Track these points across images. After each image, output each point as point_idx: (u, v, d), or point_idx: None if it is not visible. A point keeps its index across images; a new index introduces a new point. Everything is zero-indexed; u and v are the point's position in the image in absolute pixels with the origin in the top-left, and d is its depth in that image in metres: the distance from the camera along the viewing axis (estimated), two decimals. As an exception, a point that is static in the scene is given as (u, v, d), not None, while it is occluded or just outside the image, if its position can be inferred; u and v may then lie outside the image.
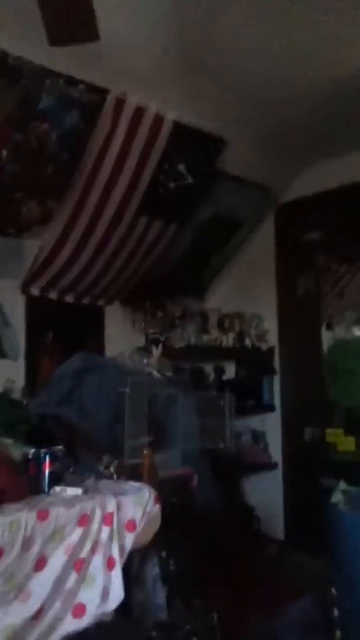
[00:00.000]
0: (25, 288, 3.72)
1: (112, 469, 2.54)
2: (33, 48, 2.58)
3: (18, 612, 1.84)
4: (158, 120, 3.31)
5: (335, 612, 2.83)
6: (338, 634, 2.81)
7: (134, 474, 2.53)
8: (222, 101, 3.31)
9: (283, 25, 2.65)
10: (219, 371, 4.64)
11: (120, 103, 3.13)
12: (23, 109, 2.88)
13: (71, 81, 2.89)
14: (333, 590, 2.85)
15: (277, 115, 3.49)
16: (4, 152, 2.98)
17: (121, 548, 2.17)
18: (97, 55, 2.69)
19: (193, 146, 3.58)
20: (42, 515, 1.96)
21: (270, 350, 4.53)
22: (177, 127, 3.39)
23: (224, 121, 3.52)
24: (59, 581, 1.97)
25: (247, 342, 4.50)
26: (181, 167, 3.66)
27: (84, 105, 3.01)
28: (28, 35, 2.41)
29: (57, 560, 1.98)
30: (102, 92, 3.03)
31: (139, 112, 3.22)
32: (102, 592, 2.07)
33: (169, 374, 3.49)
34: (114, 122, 3.18)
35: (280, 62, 2.95)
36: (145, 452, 2.56)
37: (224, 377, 4.64)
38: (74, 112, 3.00)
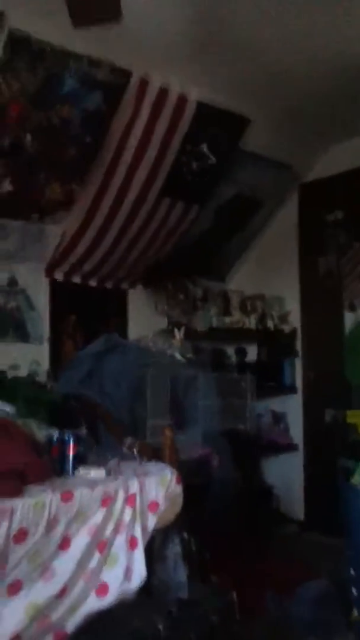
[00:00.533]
0: (49, 272, 3.74)
1: (134, 450, 2.57)
2: (56, 30, 2.58)
3: (42, 591, 1.89)
4: (182, 100, 3.28)
5: (354, 592, 2.85)
6: (355, 613, 2.83)
7: (155, 454, 2.57)
8: (245, 79, 3.27)
9: (307, 0, 2.59)
10: (241, 353, 4.64)
11: (143, 84, 3.10)
12: (46, 91, 2.87)
13: (94, 63, 2.87)
14: (351, 570, 2.87)
15: (301, 93, 3.45)
16: (28, 135, 2.98)
17: (144, 528, 2.21)
18: (120, 36, 2.66)
19: (216, 125, 3.54)
20: (66, 497, 2.00)
21: (293, 332, 4.52)
22: (201, 106, 3.36)
23: (247, 100, 3.48)
24: (83, 561, 2.01)
25: (269, 324, 4.48)
26: (204, 147, 3.63)
27: (107, 87, 2.99)
28: (51, 17, 2.41)
29: (80, 540, 2.02)
30: (126, 74, 3.00)
31: (163, 93, 3.19)
32: (125, 571, 2.12)
33: (191, 355, 3.50)
34: (138, 104, 3.16)
35: (303, 39, 2.90)
36: (166, 432, 2.58)
37: (246, 359, 4.64)
38: (97, 93, 2.99)
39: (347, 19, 2.75)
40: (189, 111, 3.33)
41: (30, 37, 2.64)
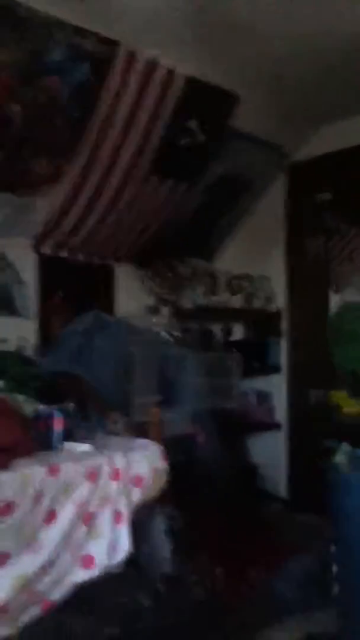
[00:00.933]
0: (36, 247, 3.70)
1: (120, 426, 2.58)
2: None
3: (29, 563, 1.90)
4: (170, 75, 3.23)
5: (334, 568, 2.90)
6: (336, 588, 2.89)
7: (142, 431, 2.58)
8: (235, 56, 3.23)
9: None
10: (227, 332, 4.65)
11: (131, 56, 3.05)
12: (32, 62, 2.81)
13: (81, 32, 2.81)
14: (332, 547, 2.92)
15: (291, 73, 3.41)
16: (14, 107, 2.92)
17: (129, 503, 2.23)
18: (106, 6, 2.62)
19: (205, 102, 3.50)
20: (53, 470, 2.01)
21: (278, 312, 4.54)
22: (189, 82, 3.31)
23: (236, 77, 3.44)
24: (68, 534, 2.03)
25: (256, 303, 4.49)
26: (193, 124, 3.59)
27: (94, 58, 2.93)
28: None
29: (66, 513, 2.03)
30: (113, 44, 2.95)
31: (151, 66, 3.14)
32: (110, 544, 2.14)
33: (178, 334, 3.50)
34: (125, 76, 3.11)
35: (294, 18, 2.86)
36: (153, 410, 2.59)
37: (232, 338, 4.65)
38: (84, 65, 2.93)
39: (338, 1, 2.72)
40: (177, 85, 3.29)
41: (16, 5, 2.58)
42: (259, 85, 3.54)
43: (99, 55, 2.94)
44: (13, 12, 2.59)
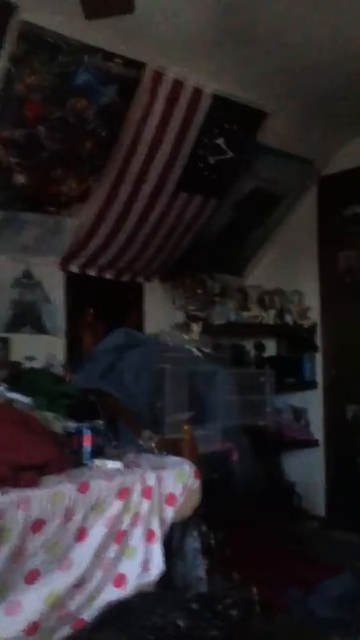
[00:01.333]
0: (64, 265, 3.75)
1: (152, 444, 2.56)
2: (69, 23, 2.57)
3: (60, 580, 1.89)
4: (197, 93, 3.26)
5: (376, 589, 2.81)
6: (377, 610, 2.79)
7: (174, 449, 2.55)
8: (262, 72, 3.24)
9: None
10: (260, 348, 4.61)
11: (157, 76, 3.09)
12: (61, 85, 2.88)
13: (108, 56, 2.87)
14: (374, 568, 2.83)
15: (319, 86, 3.41)
16: (43, 129, 2.99)
17: (161, 521, 2.20)
18: (134, 29, 2.66)
19: (233, 119, 3.52)
20: (84, 488, 2.00)
21: (312, 327, 4.47)
22: (216, 99, 3.34)
23: (264, 93, 3.45)
24: (100, 551, 2.01)
25: (288, 319, 4.45)
26: (221, 141, 3.61)
27: (121, 80, 2.99)
28: (64, 10, 2.41)
29: (97, 531, 2.01)
30: (139, 66, 3.00)
31: (177, 85, 3.18)
32: (143, 563, 2.11)
33: (209, 350, 3.48)
34: (152, 96, 3.16)
35: (323, 31, 2.87)
36: (185, 427, 2.57)
37: (265, 354, 4.61)
38: (112, 86, 2.99)
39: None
40: (204, 104, 3.32)
41: (45, 31, 2.65)
42: (287, 99, 3.54)
43: (125, 77, 2.99)
44: (42, 38, 2.66)
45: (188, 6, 2.65)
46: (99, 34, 2.72)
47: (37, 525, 1.84)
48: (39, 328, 3.58)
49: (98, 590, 1.99)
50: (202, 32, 2.84)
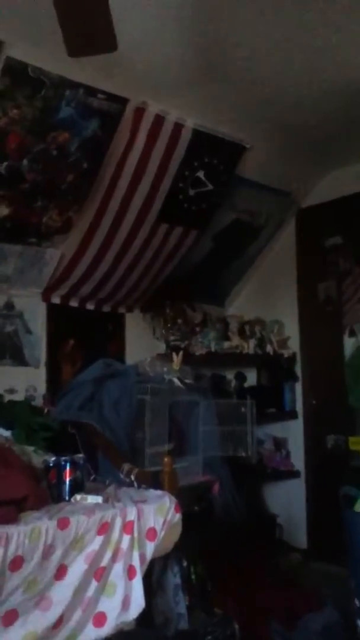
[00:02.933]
0: (46, 296, 3.74)
1: (132, 477, 2.53)
2: (53, 59, 2.62)
3: (39, 621, 1.84)
4: (177, 127, 3.32)
5: (359, 623, 2.78)
6: (362, 646, 2.76)
7: (154, 481, 2.53)
8: (241, 107, 3.31)
9: (301, 29, 2.64)
10: (241, 378, 4.62)
11: (140, 111, 3.15)
12: (43, 119, 2.91)
13: (91, 91, 2.92)
14: (356, 601, 2.81)
15: (296, 120, 3.49)
16: (25, 162, 3.00)
17: (142, 556, 2.16)
18: (116, 65, 2.71)
19: (212, 153, 3.58)
20: (63, 524, 1.96)
21: (292, 356, 4.50)
22: (197, 134, 3.40)
23: (243, 126, 3.53)
24: (80, 589, 1.97)
25: (269, 348, 4.47)
26: (201, 174, 3.66)
27: (103, 114, 3.03)
28: (47, 46, 2.45)
29: (77, 568, 1.98)
30: (122, 101, 3.05)
31: (159, 120, 3.23)
32: (123, 600, 2.06)
33: (190, 381, 3.48)
34: (134, 131, 3.20)
35: (299, 66, 2.94)
36: (166, 459, 2.55)
37: (245, 384, 4.61)
38: (94, 121, 3.03)
39: (343, 48, 2.79)
40: (185, 138, 3.37)
41: (28, 66, 2.68)
42: (265, 133, 3.61)
43: (108, 112, 3.04)
44: (24, 72, 2.70)
45: (165, 45, 2.71)
46: (82, 70, 2.76)
47: (16, 562, 1.80)
48: (20, 359, 3.55)
49: (77, 630, 1.94)
50: (180, 69, 2.90)
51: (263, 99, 3.25)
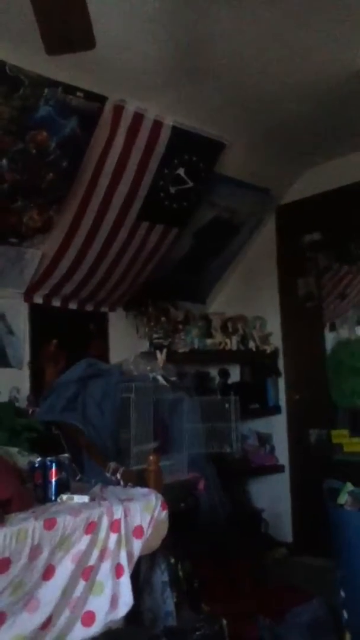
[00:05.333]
0: (28, 296, 3.72)
1: (118, 476, 2.54)
2: (30, 57, 2.60)
3: (27, 622, 1.84)
4: (157, 125, 3.31)
5: (345, 615, 2.81)
6: (348, 636, 2.79)
7: (140, 479, 2.53)
8: (220, 104, 3.32)
9: (279, 26, 2.65)
10: (224, 374, 4.64)
11: (119, 109, 3.14)
12: (22, 118, 2.88)
13: (69, 89, 2.90)
14: (342, 592, 2.84)
15: (276, 117, 3.50)
16: (4, 162, 2.98)
17: (129, 555, 2.16)
18: (94, 63, 2.70)
19: (192, 150, 3.58)
20: (49, 524, 1.96)
21: (274, 352, 4.53)
22: (176, 131, 3.40)
23: (222, 124, 3.53)
24: (68, 589, 1.97)
25: (251, 344, 4.49)
26: (181, 172, 3.66)
27: (82, 113, 3.01)
28: (25, 44, 2.43)
29: (65, 568, 1.97)
30: (101, 99, 3.04)
31: (138, 117, 3.23)
32: (111, 599, 2.06)
33: (174, 378, 3.48)
34: (113, 129, 3.19)
35: (278, 64, 2.96)
36: (151, 457, 2.55)
37: (229, 381, 4.63)
38: (73, 119, 3.01)
39: (321, 46, 2.82)
40: (165, 135, 3.37)
41: (6, 65, 2.66)
42: (244, 131, 3.63)
43: (86, 110, 3.02)
44: (2, 71, 2.68)
45: (145, 43, 2.70)
46: (59, 68, 2.74)
47: (2, 564, 1.80)
48: (2, 361, 3.52)
49: (66, 630, 1.94)
50: (159, 67, 2.90)
51: (242, 97, 3.26)
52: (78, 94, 2.93)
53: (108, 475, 2.55)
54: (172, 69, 2.93)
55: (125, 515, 2.18)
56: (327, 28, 2.68)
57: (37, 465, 2.27)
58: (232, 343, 4.42)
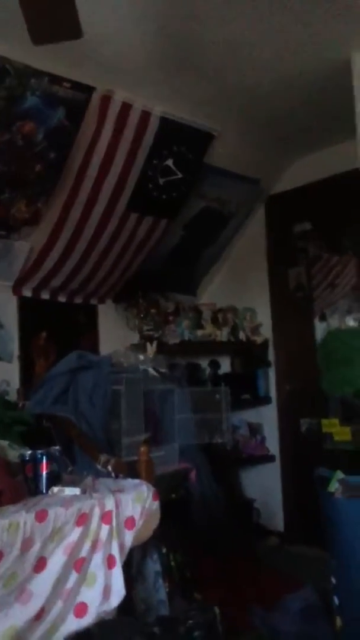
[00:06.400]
0: (16, 289, 3.71)
1: (109, 467, 2.54)
2: (16, 47, 2.57)
3: (19, 614, 1.84)
4: (145, 115, 3.30)
5: (336, 601, 2.83)
6: (339, 621, 2.82)
7: (131, 471, 2.53)
8: (209, 95, 3.31)
9: (268, 20, 2.65)
10: (215, 366, 4.64)
11: (106, 100, 3.12)
12: (8, 109, 2.86)
13: (56, 80, 2.88)
14: (332, 579, 2.86)
15: (265, 108, 3.50)
16: (-10, 153, 2.97)
17: (121, 546, 2.17)
18: (81, 53, 2.68)
19: (181, 141, 3.57)
20: (41, 516, 1.96)
21: (265, 342, 4.54)
22: (165, 122, 3.38)
23: (211, 115, 3.52)
24: (60, 581, 1.97)
25: (241, 335, 4.50)
26: (170, 162, 3.65)
27: (69, 103, 2.99)
28: (11, 34, 2.40)
29: (57, 560, 1.97)
30: (88, 90, 3.01)
31: (126, 108, 3.21)
32: (103, 590, 2.07)
33: (164, 370, 3.49)
34: (101, 119, 3.17)
35: (266, 55, 2.95)
36: (142, 448, 2.55)
37: (220, 372, 4.64)
38: (60, 110, 2.99)
39: (311, 36, 2.82)
40: (153, 126, 3.35)
41: (-9, 55, 2.64)
42: (233, 121, 3.62)
43: (73, 100, 3.00)
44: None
45: (133, 33, 2.69)
46: (46, 58, 2.72)
47: (-6, 557, 1.80)
48: (-8, 355, 3.52)
49: (59, 621, 1.94)
50: (147, 57, 2.88)
51: (231, 88, 3.25)
52: (65, 84, 2.91)
53: (99, 467, 2.55)
54: (160, 59, 2.91)
55: (117, 507, 2.18)
56: (316, 20, 2.68)
57: (27, 458, 2.27)
58: (223, 334, 4.43)
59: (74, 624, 1.98)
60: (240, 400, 4.21)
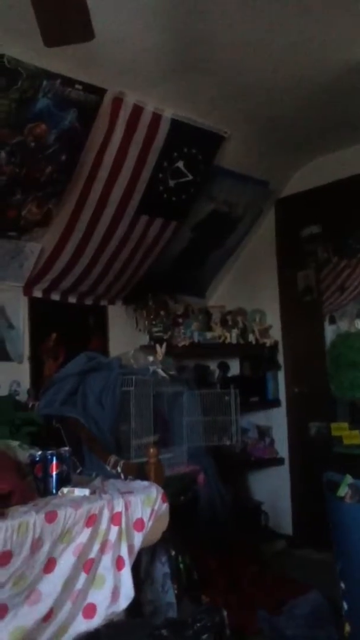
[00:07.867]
0: (27, 290, 3.72)
1: (119, 469, 2.54)
2: (29, 49, 2.58)
3: (29, 614, 1.84)
4: (156, 118, 3.30)
5: (345, 606, 2.82)
6: (347, 627, 2.80)
7: (140, 472, 2.53)
8: (220, 97, 3.31)
9: (279, 20, 2.64)
10: (224, 368, 4.64)
11: (117, 102, 3.12)
12: (20, 111, 2.87)
13: (68, 82, 2.89)
14: (342, 584, 2.84)
15: (275, 110, 3.49)
16: (2, 154, 2.97)
17: (130, 547, 2.17)
18: (93, 55, 2.69)
19: (191, 143, 3.57)
20: (50, 517, 1.96)
21: (274, 345, 4.53)
22: (175, 124, 3.39)
23: (221, 117, 3.52)
24: (69, 582, 1.97)
25: (251, 338, 4.49)
26: (180, 164, 3.65)
27: (81, 105, 3.00)
28: (23, 36, 2.42)
29: (66, 561, 1.98)
30: (99, 92, 3.02)
31: (137, 110, 3.21)
32: (112, 591, 2.07)
33: (174, 372, 3.49)
34: (112, 121, 3.18)
35: (277, 57, 2.94)
36: (151, 450, 2.55)
37: (229, 374, 4.63)
38: (72, 112, 3.00)
39: (320, 41, 2.81)
40: (164, 128, 3.36)
41: (4, 57, 2.64)
42: (243, 124, 3.62)
43: (85, 102, 3.01)
44: (2, 63, 2.66)
45: (144, 35, 2.69)
46: (58, 60, 2.73)
47: (4, 557, 1.80)
48: (2, 355, 3.52)
49: (67, 622, 1.95)
50: (159, 59, 2.89)
51: (241, 90, 3.25)
52: (77, 86, 2.92)
53: (108, 468, 2.56)
54: (171, 61, 2.92)
55: (126, 508, 2.18)
56: (328, 21, 2.67)
57: (37, 458, 2.27)
58: (232, 336, 4.42)
59: (82, 625, 1.98)
60: (249, 402, 4.20)
